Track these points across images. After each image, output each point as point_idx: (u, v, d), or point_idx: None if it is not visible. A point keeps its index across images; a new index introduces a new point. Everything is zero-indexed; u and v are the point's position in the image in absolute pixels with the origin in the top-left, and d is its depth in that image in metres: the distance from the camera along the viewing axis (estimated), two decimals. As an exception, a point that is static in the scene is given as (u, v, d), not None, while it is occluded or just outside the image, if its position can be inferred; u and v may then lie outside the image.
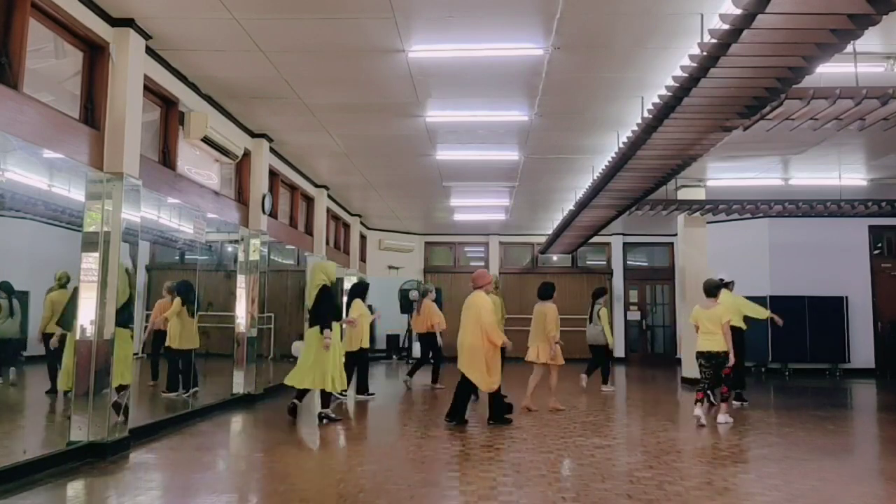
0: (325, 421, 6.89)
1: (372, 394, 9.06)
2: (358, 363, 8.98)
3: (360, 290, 9.35)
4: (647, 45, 5.72)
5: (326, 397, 7.01)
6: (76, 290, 5.60)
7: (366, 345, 9.05)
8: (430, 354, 10.43)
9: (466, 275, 16.39)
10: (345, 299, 10.30)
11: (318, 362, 6.83)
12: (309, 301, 7.13)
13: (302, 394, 7.06)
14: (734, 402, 8.49)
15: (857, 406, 9.70)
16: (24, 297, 7.69)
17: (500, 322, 8.90)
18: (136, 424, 5.90)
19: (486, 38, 5.67)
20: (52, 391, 7.07)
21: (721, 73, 4.76)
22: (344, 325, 7.81)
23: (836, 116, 5.80)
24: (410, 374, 10.53)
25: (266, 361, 9.56)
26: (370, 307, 9.73)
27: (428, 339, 10.31)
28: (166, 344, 8.15)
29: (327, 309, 6.90)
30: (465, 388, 6.88)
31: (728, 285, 8.68)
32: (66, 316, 6.15)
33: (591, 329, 10.24)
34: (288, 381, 6.98)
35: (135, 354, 7.81)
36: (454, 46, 5.86)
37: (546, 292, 8.28)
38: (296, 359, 12.46)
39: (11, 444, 5.77)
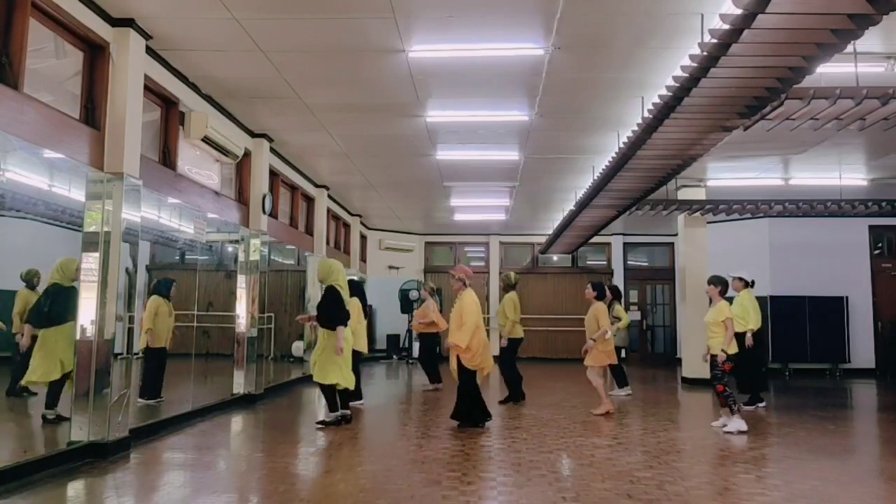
0: (320, 427, 6.84)
1: (361, 402, 8.55)
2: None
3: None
4: (648, 45, 5.72)
5: (333, 401, 6.91)
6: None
7: (359, 347, 8.40)
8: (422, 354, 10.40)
9: (466, 275, 16.53)
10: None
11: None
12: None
13: (342, 402, 6.83)
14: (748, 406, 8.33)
15: (858, 406, 9.69)
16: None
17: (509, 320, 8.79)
18: (137, 424, 5.91)
19: (487, 38, 5.67)
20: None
21: (721, 72, 4.76)
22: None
23: (837, 116, 5.79)
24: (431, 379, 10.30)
25: (266, 361, 9.55)
26: (370, 306, 9.65)
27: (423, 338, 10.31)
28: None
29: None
30: (467, 387, 6.81)
31: (749, 284, 8.58)
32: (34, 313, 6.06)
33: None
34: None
35: (135, 354, 7.77)
36: (454, 46, 5.86)
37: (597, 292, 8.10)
38: (296, 359, 12.46)
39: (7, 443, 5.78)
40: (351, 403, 8.38)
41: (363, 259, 16.28)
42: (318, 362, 6.75)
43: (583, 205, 10.09)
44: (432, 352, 10.28)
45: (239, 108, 7.72)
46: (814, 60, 4.47)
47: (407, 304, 15.48)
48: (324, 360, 6.72)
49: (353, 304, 8.74)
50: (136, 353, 7.58)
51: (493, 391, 9.62)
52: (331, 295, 6.83)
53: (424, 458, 5.36)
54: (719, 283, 7.17)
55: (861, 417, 8.55)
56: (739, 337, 7.52)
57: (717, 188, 11.21)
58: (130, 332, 5.95)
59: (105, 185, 5.33)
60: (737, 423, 6.62)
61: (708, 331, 6.96)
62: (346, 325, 6.80)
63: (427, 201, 13.25)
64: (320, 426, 6.74)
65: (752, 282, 8.64)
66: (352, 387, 6.91)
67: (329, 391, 6.78)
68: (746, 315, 8.25)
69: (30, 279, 6.85)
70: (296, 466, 5.26)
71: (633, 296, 17.04)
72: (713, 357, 6.83)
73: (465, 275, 6.99)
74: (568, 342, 15.88)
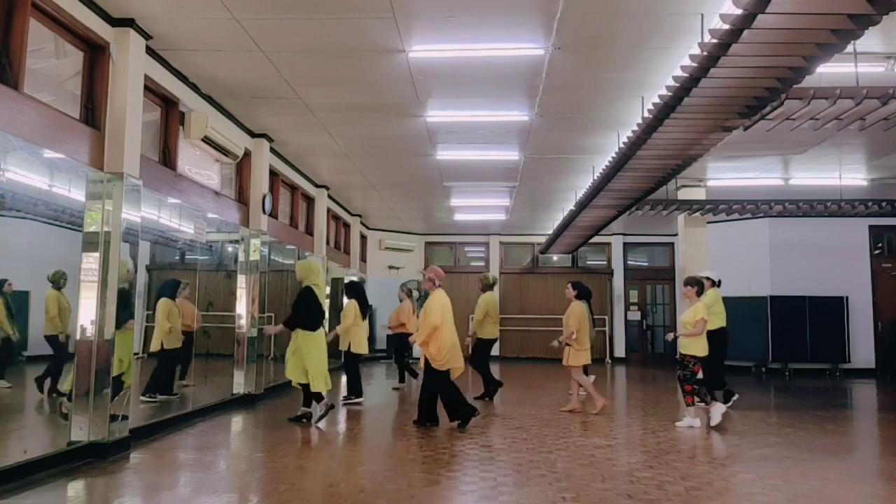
0: (303, 420, 6.88)
1: (359, 401, 8.61)
2: (348, 366, 8.82)
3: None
4: (648, 45, 5.72)
5: (309, 397, 6.96)
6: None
7: (357, 348, 8.71)
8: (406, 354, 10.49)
9: (466, 275, 16.58)
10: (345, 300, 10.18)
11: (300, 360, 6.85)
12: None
13: (308, 400, 6.97)
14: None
15: (858, 406, 9.69)
16: (24, 297, 7.70)
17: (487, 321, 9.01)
18: (137, 424, 5.91)
19: (487, 38, 5.67)
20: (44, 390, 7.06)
21: (721, 72, 4.76)
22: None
23: (837, 116, 5.80)
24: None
25: (266, 361, 9.55)
26: (370, 307, 9.62)
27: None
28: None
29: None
30: (438, 388, 6.78)
31: (717, 284, 8.60)
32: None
33: None
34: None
35: (136, 354, 7.78)
36: (454, 46, 5.85)
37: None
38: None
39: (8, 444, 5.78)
40: (350, 403, 8.46)
41: (363, 259, 16.27)
42: (290, 361, 6.89)
43: (583, 205, 10.10)
44: (401, 351, 10.45)
45: (239, 108, 7.71)
46: (814, 60, 4.47)
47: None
48: (294, 360, 6.86)
49: (350, 305, 8.85)
50: (136, 354, 7.60)
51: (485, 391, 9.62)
52: (304, 295, 6.93)
53: (424, 458, 5.37)
54: (696, 285, 7.36)
55: (861, 417, 8.55)
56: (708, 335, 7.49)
57: (717, 188, 11.21)
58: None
59: (105, 185, 5.32)
60: (692, 421, 6.87)
61: (684, 330, 7.16)
62: (308, 329, 6.85)
63: (427, 201, 13.25)
64: (317, 420, 6.84)
65: (719, 281, 8.66)
66: (322, 390, 6.87)
67: (302, 388, 6.93)
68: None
69: (56, 280, 6.91)
70: (296, 466, 5.26)
71: (634, 296, 17.06)
72: (683, 356, 7.10)
73: (436, 275, 7.06)
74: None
